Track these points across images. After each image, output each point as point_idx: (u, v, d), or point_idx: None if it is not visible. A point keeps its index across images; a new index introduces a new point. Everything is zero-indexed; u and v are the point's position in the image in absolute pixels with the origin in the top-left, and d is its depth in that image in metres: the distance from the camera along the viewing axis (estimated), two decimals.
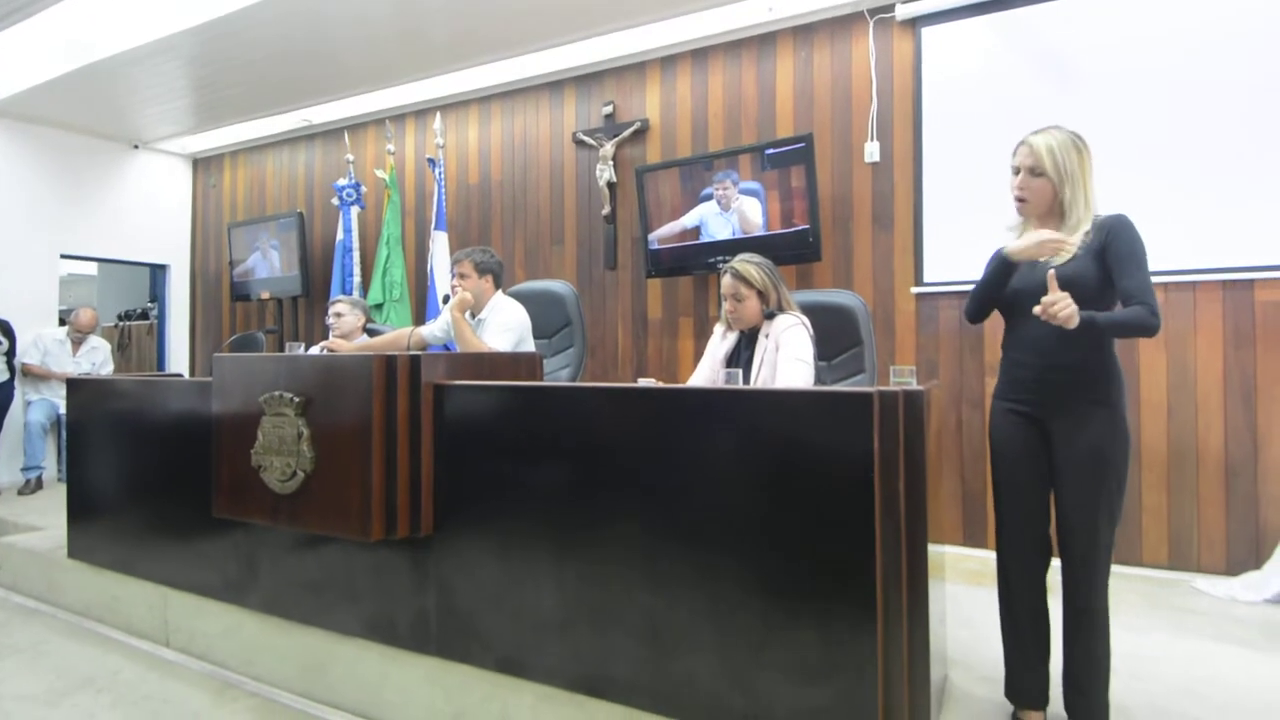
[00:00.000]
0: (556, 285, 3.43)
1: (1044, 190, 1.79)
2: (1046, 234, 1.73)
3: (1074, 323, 1.62)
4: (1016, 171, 1.83)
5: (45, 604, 3.12)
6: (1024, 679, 1.85)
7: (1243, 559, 2.93)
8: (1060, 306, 1.61)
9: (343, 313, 3.63)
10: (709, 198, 3.89)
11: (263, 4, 3.64)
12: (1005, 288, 1.84)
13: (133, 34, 4.07)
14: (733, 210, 3.82)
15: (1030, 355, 1.79)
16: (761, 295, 2.45)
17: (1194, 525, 3.03)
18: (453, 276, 3.12)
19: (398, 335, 3.30)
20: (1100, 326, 1.67)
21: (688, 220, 3.96)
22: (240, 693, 2.34)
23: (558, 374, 3.26)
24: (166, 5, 3.82)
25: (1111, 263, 1.72)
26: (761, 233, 3.74)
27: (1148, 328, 1.68)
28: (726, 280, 2.48)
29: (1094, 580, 1.74)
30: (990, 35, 3.42)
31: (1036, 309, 1.64)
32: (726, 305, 2.50)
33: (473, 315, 3.15)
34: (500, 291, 3.15)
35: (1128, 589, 2.80)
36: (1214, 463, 3.00)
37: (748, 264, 2.47)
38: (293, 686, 2.32)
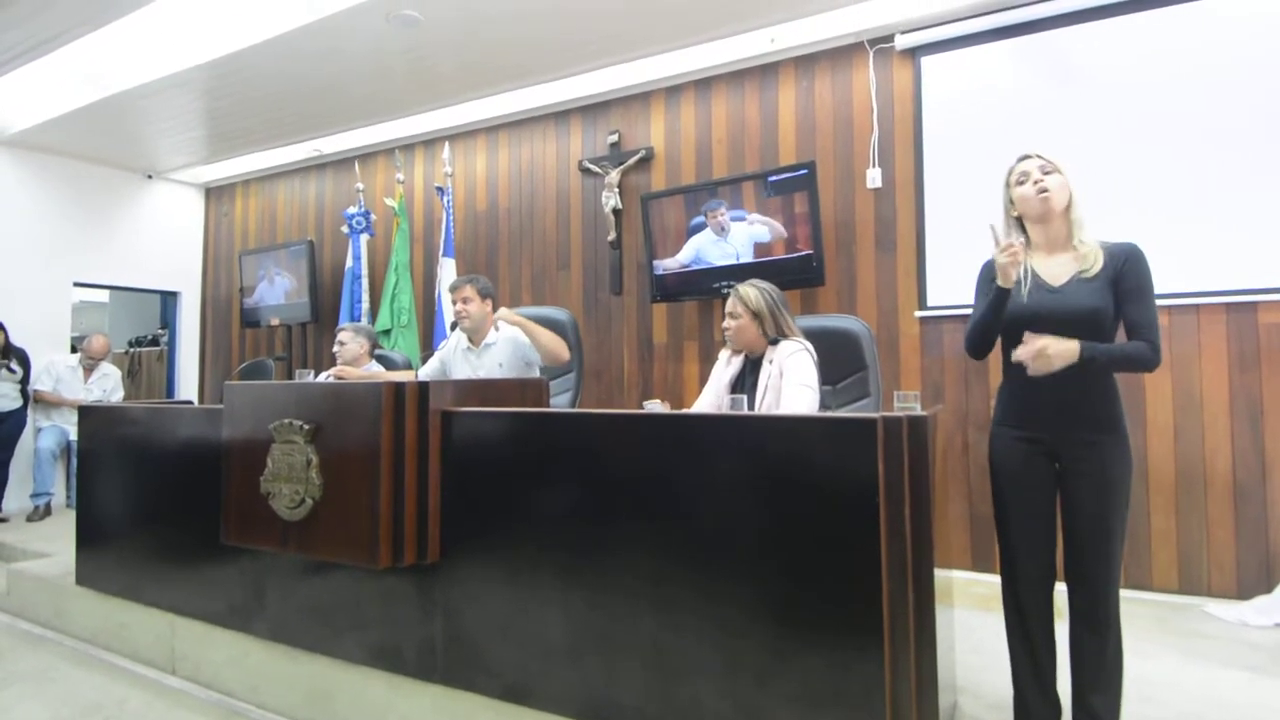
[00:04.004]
0: (555, 311, 3.47)
1: (1064, 185, 1.80)
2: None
3: (1073, 358, 1.67)
4: (1022, 180, 1.84)
5: (52, 631, 3.12)
6: (1035, 705, 1.83)
7: (1254, 582, 2.90)
8: (1040, 351, 1.68)
9: (345, 341, 3.66)
10: (701, 227, 3.94)
11: (274, 40, 3.74)
12: (1003, 315, 1.84)
13: (148, 69, 4.17)
14: (731, 235, 3.86)
15: (1044, 381, 1.78)
16: (756, 317, 2.47)
17: (1203, 549, 3.01)
18: (455, 304, 3.15)
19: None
20: (1100, 362, 1.71)
21: (683, 256, 4.02)
22: None
23: (556, 400, 3.29)
24: (180, 41, 3.91)
25: (1122, 292, 1.75)
26: (765, 257, 3.77)
27: (1148, 364, 1.73)
28: (729, 299, 2.53)
29: (1109, 602, 1.74)
30: (989, 64, 3.47)
31: (1023, 354, 1.71)
32: (725, 322, 2.55)
33: (473, 342, 3.18)
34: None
35: (1138, 613, 2.77)
36: (1222, 486, 2.99)
37: (750, 287, 2.52)
38: (299, 715, 2.31)
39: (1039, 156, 1.83)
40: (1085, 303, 1.75)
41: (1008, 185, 1.89)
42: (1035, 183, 1.81)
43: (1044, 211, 1.81)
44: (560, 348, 3.00)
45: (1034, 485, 1.81)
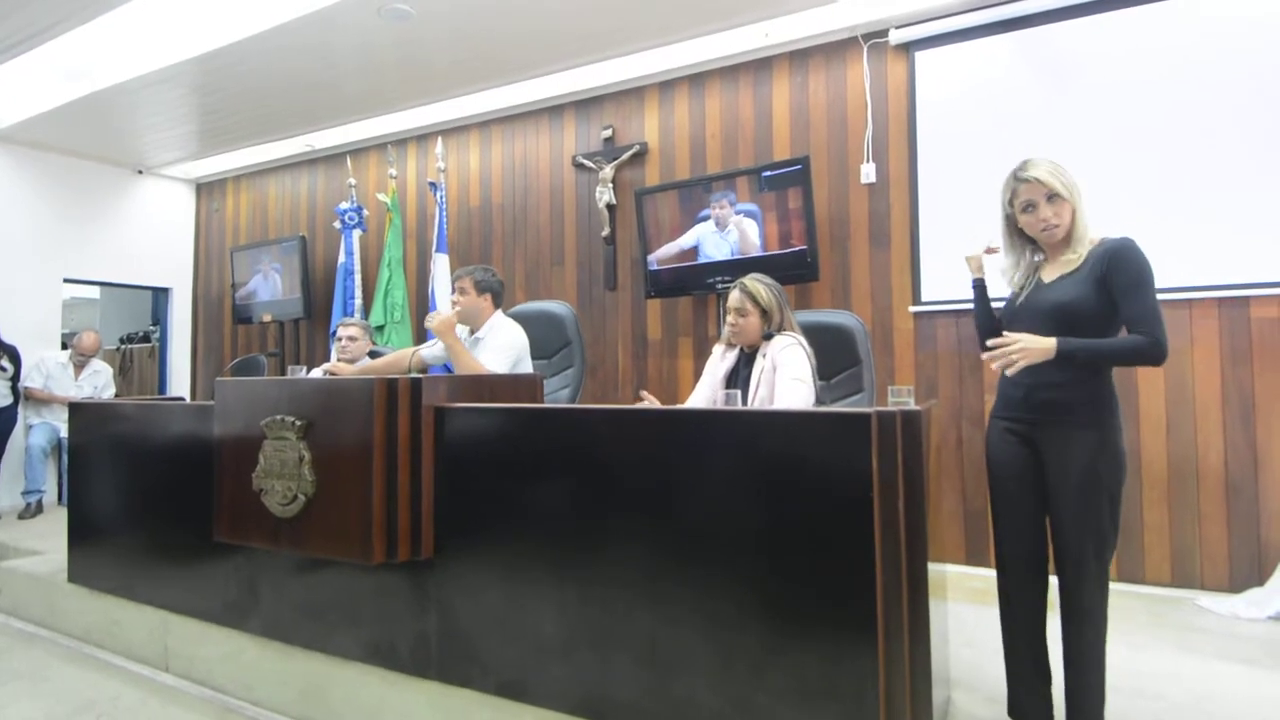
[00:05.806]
0: (555, 306, 3.46)
1: (1067, 212, 1.77)
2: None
3: (1038, 358, 1.67)
4: (1027, 208, 1.79)
5: (45, 629, 3.10)
6: (1027, 699, 1.84)
7: (1245, 576, 2.92)
8: (1009, 352, 1.67)
9: (356, 336, 3.62)
10: (706, 218, 3.93)
11: (265, 34, 3.71)
12: (989, 310, 1.94)
13: (137, 63, 4.14)
14: (730, 230, 3.86)
15: (1021, 374, 1.76)
16: (765, 314, 2.47)
17: (1196, 543, 3.02)
18: (452, 294, 3.14)
19: (399, 356, 3.31)
20: (1081, 358, 1.68)
21: (685, 241, 4.00)
22: (240, 718, 2.33)
23: (557, 394, 3.27)
24: (170, 35, 3.88)
25: (1115, 292, 1.70)
26: (760, 253, 3.77)
27: (1147, 356, 1.67)
28: (734, 295, 2.51)
29: (1083, 593, 1.72)
30: (983, 59, 3.47)
31: (993, 360, 1.70)
32: (729, 318, 2.53)
33: (470, 332, 3.16)
34: (499, 311, 3.16)
35: (1131, 607, 2.79)
36: (1214, 480, 3.00)
37: (758, 283, 2.51)
38: (293, 711, 2.31)
39: (1039, 183, 1.75)
40: (1057, 297, 1.74)
41: (1010, 203, 1.85)
42: (1041, 220, 1.77)
43: (1048, 240, 1.82)
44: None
45: (1019, 475, 1.82)
